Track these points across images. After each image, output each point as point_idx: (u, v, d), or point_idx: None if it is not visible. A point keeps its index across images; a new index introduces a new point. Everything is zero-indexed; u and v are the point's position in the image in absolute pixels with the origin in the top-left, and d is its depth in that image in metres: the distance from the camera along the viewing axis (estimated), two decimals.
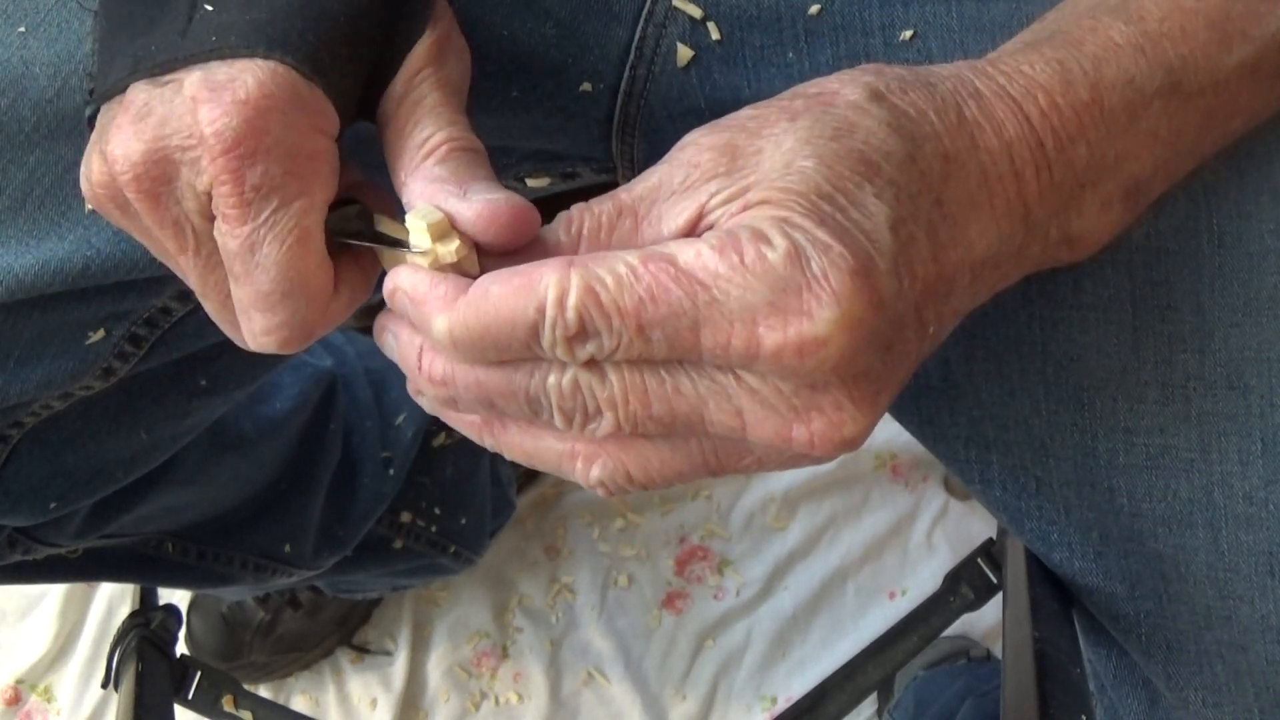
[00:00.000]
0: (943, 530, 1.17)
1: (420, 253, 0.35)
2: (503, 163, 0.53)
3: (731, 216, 0.33)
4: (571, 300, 0.31)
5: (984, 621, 1.11)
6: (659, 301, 0.31)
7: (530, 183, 0.55)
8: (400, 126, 0.38)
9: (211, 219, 0.36)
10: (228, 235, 0.35)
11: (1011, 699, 0.47)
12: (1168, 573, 0.46)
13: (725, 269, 0.31)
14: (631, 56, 0.49)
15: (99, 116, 0.37)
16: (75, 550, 0.66)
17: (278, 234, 0.35)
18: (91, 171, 0.37)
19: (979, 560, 0.66)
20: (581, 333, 0.32)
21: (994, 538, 0.66)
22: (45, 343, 0.48)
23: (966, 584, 0.66)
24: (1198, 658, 0.46)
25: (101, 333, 0.49)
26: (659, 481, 0.35)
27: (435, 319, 0.34)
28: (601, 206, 0.35)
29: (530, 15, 0.48)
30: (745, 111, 0.36)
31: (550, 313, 0.31)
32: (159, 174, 0.35)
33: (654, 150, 0.53)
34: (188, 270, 0.38)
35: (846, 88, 0.36)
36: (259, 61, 0.34)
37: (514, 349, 0.33)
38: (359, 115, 0.39)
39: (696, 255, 0.31)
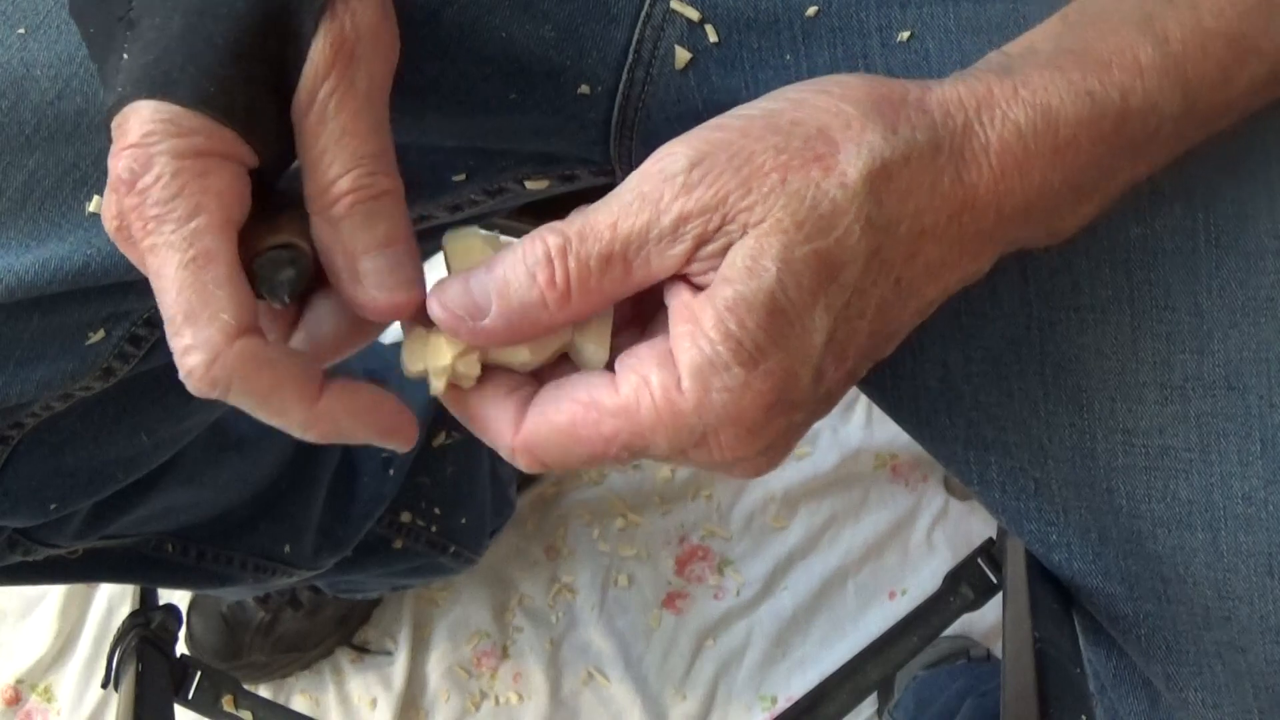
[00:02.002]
0: (943, 530, 1.17)
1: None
2: (501, 165, 0.53)
3: (706, 274, 0.35)
4: (520, 465, 0.37)
5: (984, 621, 1.11)
6: (599, 457, 0.36)
7: (529, 185, 0.55)
8: (307, 145, 0.36)
9: None
10: (148, 266, 0.36)
11: (1011, 699, 0.47)
12: (1167, 573, 0.46)
13: (648, 422, 0.35)
14: (629, 59, 0.49)
15: None
16: (75, 551, 0.66)
17: (173, 252, 0.35)
18: None
19: (979, 560, 0.66)
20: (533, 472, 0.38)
21: (994, 538, 0.66)
22: (45, 343, 0.48)
23: (966, 584, 0.66)
24: (1197, 658, 0.46)
25: (101, 333, 0.49)
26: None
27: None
28: (587, 250, 0.35)
29: (528, 18, 0.48)
30: (738, 137, 0.35)
31: (506, 456, 0.38)
32: (121, 224, 0.36)
33: (651, 152, 0.53)
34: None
35: (849, 148, 0.34)
36: (144, 105, 0.35)
37: None
38: None
39: (619, 411, 0.35)
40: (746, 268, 0.34)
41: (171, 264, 0.35)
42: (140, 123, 0.35)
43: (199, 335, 0.35)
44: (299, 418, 0.36)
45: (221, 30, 0.35)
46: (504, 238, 0.38)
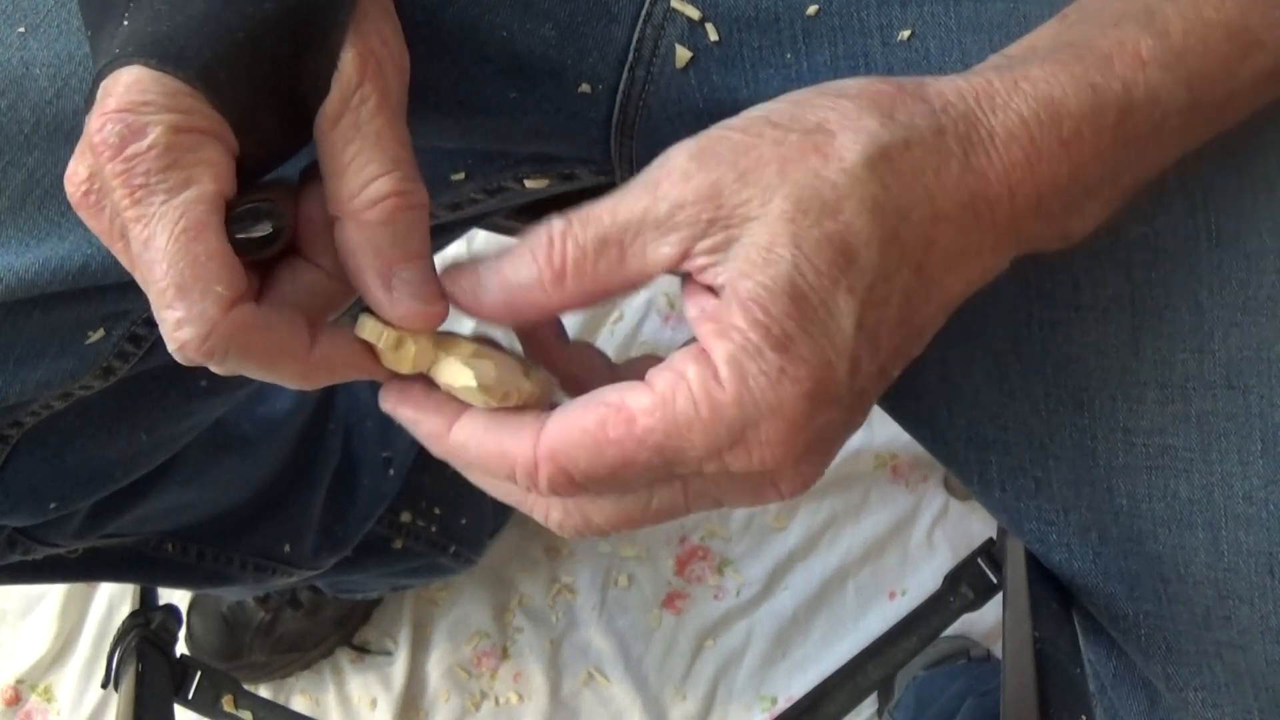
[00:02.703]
0: (943, 530, 1.17)
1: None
2: (501, 164, 0.53)
3: (712, 280, 0.34)
4: (542, 480, 0.35)
5: (984, 621, 1.11)
6: (630, 464, 0.34)
7: (529, 184, 0.55)
8: (337, 151, 0.36)
9: None
10: (131, 236, 0.35)
11: (1011, 699, 0.47)
12: (1167, 573, 0.46)
13: (684, 420, 0.33)
14: (630, 58, 0.49)
15: None
16: (75, 550, 0.66)
17: (165, 224, 0.34)
18: None
19: (979, 560, 0.66)
20: (556, 495, 0.36)
21: (994, 538, 0.66)
22: (45, 342, 0.48)
23: (966, 584, 0.66)
24: (1197, 658, 0.46)
25: (101, 332, 0.49)
26: (623, 528, 0.38)
27: (426, 445, 0.38)
28: (585, 234, 0.35)
29: (529, 17, 0.48)
30: (737, 132, 0.35)
31: (522, 480, 0.35)
32: (89, 189, 0.35)
33: (653, 151, 0.52)
34: (138, 280, 0.38)
35: (847, 134, 0.34)
36: (142, 69, 0.34)
37: (503, 480, 0.37)
38: (297, 139, 0.38)
39: (653, 409, 0.34)
40: (761, 258, 0.33)
41: (162, 235, 0.34)
42: (136, 88, 0.34)
43: (192, 308, 0.35)
44: (295, 372, 0.37)
45: (244, 25, 0.35)
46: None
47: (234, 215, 0.36)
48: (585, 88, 0.50)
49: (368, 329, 0.37)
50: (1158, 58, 0.37)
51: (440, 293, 0.37)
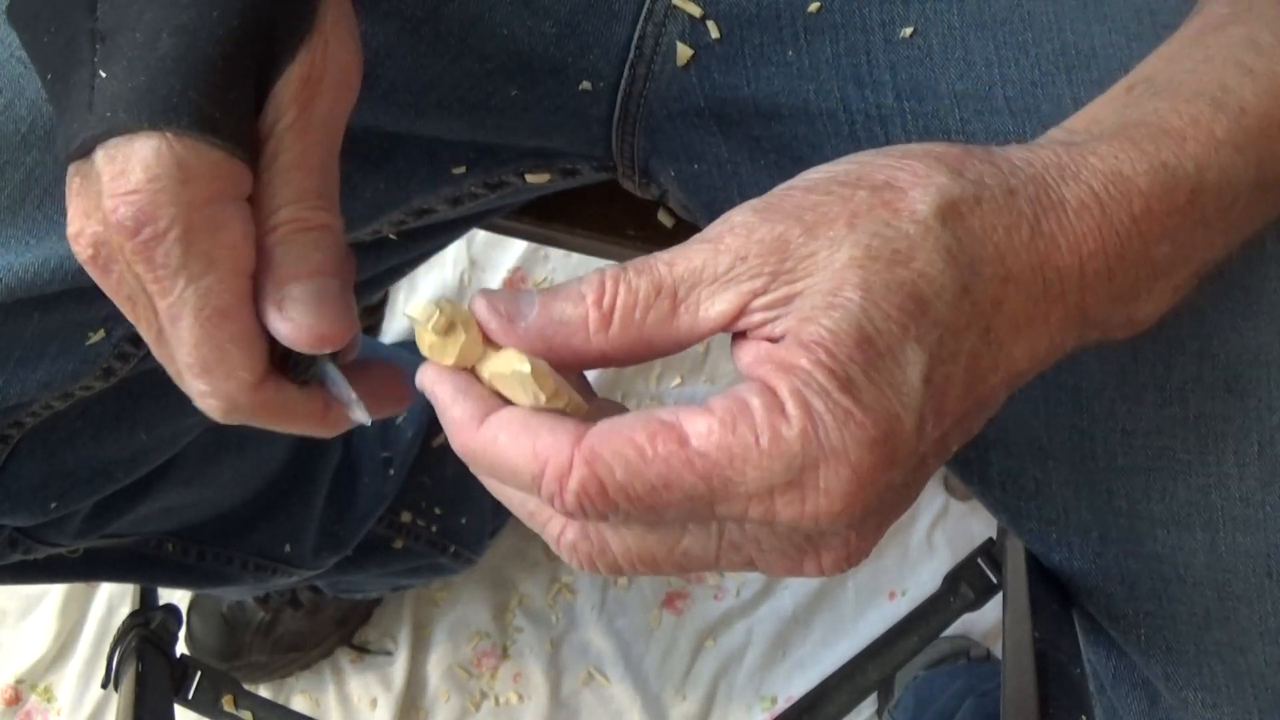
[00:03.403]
0: (943, 530, 1.17)
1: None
2: (502, 159, 0.54)
3: (769, 333, 0.32)
4: (572, 485, 0.31)
5: (984, 621, 1.11)
6: (672, 487, 0.31)
7: (530, 178, 0.54)
8: (259, 174, 0.36)
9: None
10: (158, 309, 0.36)
11: (1011, 699, 0.47)
12: (1166, 574, 0.46)
13: (740, 449, 0.30)
14: (631, 55, 0.49)
15: None
16: (75, 550, 0.66)
17: (190, 309, 0.35)
18: None
19: (979, 560, 0.66)
20: (580, 510, 0.31)
21: (994, 538, 0.66)
22: (45, 343, 0.48)
23: (966, 584, 0.66)
24: (1197, 658, 0.46)
25: (101, 333, 0.49)
26: (640, 570, 0.34)
27: (449, 436, 0.34)
28: (639, 280, 0.33)
29: (530, 14, 0.48)
30: (802, 192, 0.34)
31: (547, 487, 0.32)
32: (102, 256, 0.36)
33: (654, 148, 0.53)
34: (144, 336, 0.38)
35: (917, 189, 0.33)
36: (143, 140, 0.34)
37: (521, 489, 0.33)
38: None
39: (709, 432, 0.30)
40: (827, 303, 0.31)
41: (187, 319, 0.35)
42: (142, 165, 0.34)
43: (217, 388, 0.36)
44: (315, 429, 0.38)
45: (220, 52, 0.34)
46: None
47: (291, 361, 0.38)
48: (586, 85, 0.50)
49: (419, 307, 0.35)
50: (1233, 139, 0.36)
51: (343, 314, 0.36)
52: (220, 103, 0.34)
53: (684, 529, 0.33)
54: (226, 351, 0.36)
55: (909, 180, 0.33)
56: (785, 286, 0.32)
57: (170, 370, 0.39)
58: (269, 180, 0.36)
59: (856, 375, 0.31)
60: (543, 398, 0.33)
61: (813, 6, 0.48)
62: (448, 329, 0.35)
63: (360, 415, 0.38)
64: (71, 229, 0.36)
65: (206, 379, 0.36)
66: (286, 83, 0.36)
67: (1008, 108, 0.46)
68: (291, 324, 0.36)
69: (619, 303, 0.33)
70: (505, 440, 0.33)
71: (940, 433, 0.33)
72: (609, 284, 0.33)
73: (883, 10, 0.47)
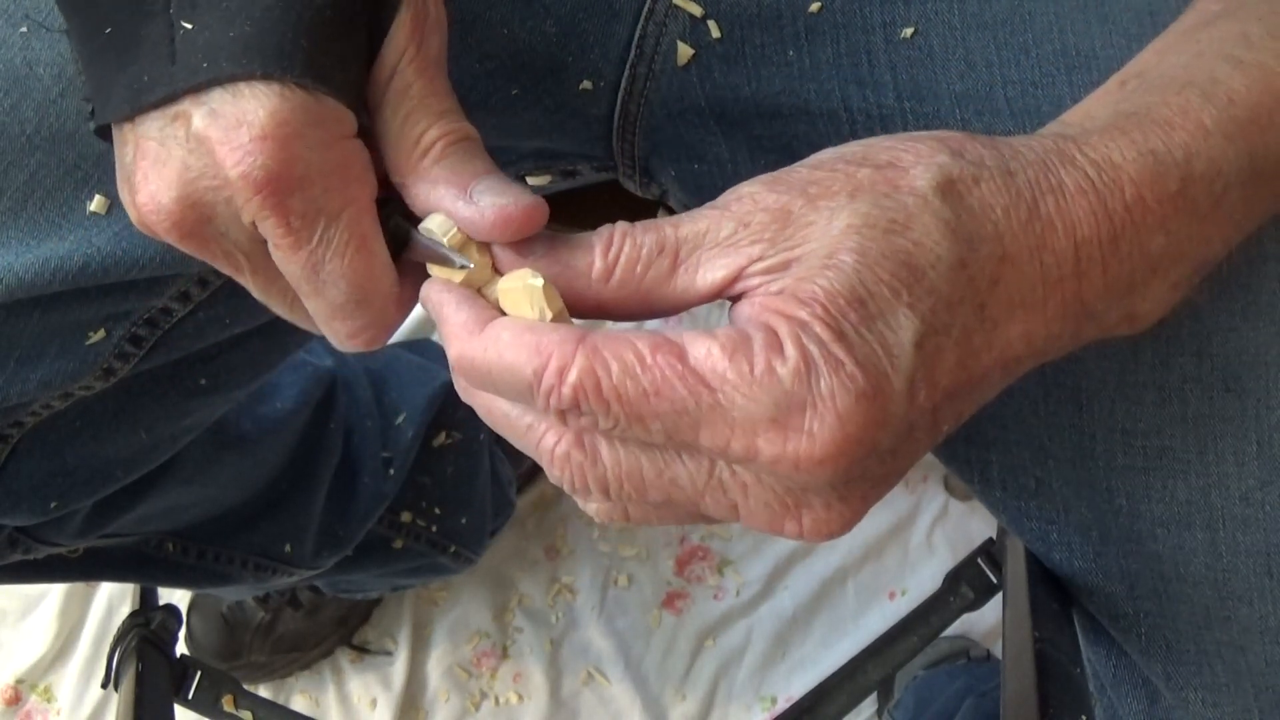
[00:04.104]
0: (943, 530, 1.17)
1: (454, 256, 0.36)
2: (503, 160, 0.53)
3: (764, 294, 0.33)
4: (571, 377, 0.32)
5: (984, 621, 1.11)
6: (662, 396, 0.31)
7: (530, 181, 0.55)
8: (388, 118, 0.37)
9: (261, 242, 0.36)
10: (287, 262, 0.36)
11: (1011, 699, 0.47)
12: (1166, 573, 0.46)
13: (733, 375, 0.31)
14: (632, 54, 0.49)
15: (116, 150, 0.37)
16: (76, 550, 0.66)
17: (336, 250, 0.35)
18: (130, 215, 0.37)
19: (979, 560, 0.66)
20: (575, 408, 0.32)
21: (994, 538, 0.66)
22: (46, 343, 0.48)
23: (966, 584, 0.66)
24: (1197, 658, 0.46)
25: (102, 333, 0.49)
26: (629, 489, 0.34)
27: (449, 344, 0.35)
28: (645, 237, 0.34)
29: (531, 13, 0.48)
30: (809, 169, 0.35)
31: (547, 381, 0.32)
32: (195, 217, 0.35)
33: (654, 148, 0.53)
34: (248, 286, 0.39)
35: (918, 167, 0.34)
36: (261, 88, 0.34)
37: (514, 396, 0.34)
38: None
39: (707, 354, 0.31)
40: (823, 264, 0.32)
41: (331, 260, 0.35)
42: (268, 112, 0.34)
43: (372, 319, 0.37)
44: (403, 315, 0.39)
45: (326, 1, 0.34)
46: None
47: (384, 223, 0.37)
48: (587, 84, 0.50)
49: (436, 221, 0.36)
50: (1223, 128, 0.36)
51: (528, 192, 0.36)
52: (330, 54, 0.35)
53: (676, 457, 0.33)
54: (378, 279, 0.36)
55: (911, 160, 0.34)
56: (784, 253, 0.33)
57: (283, 309, 0.39)
58: (408, 111, 0.37)
59: (850, 332, 0.31)
60: (549, 314, 0.34)
61: (814, 6, 0.48)
62: (462, 246, 0.36)
63: (464, 261, 0.37)
64: (145, 195, 0.35)
65: (364, 310, 0.37)
66: (400, 25, 0.36)
67: (1008, 108, 0.46)
68: (495, 208, 0.35)
69: (623, 256, 0.34)
70: (508, 339, 0.33)
71: (931, 404, 0.33)
72: (617, 237, 0.34)
73: (883, 10, 0.47)
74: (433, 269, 0.37)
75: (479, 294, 0.36)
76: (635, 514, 0.35)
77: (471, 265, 0.36)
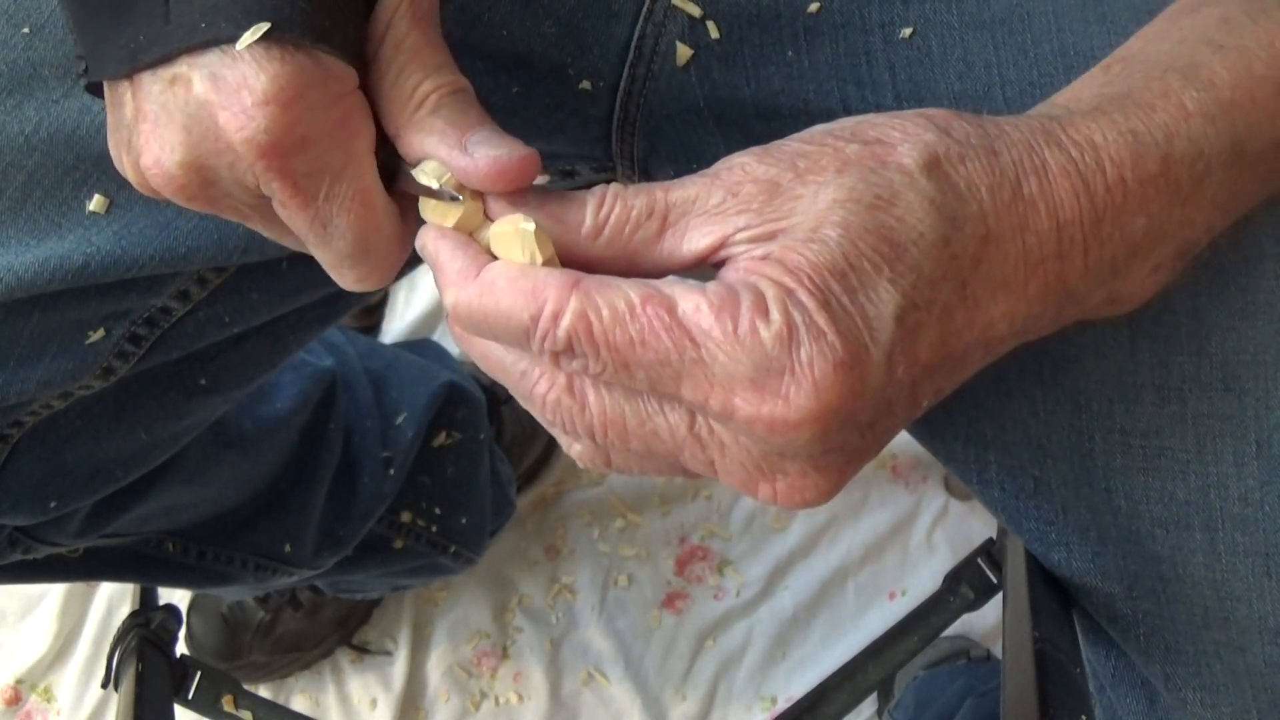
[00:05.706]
0: (943, 530, 1.17)
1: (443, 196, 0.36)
2: None
3: (750, 258, 0.33)
4: (565, 321, 0.32)
5: (984, 621, 1.11)
6: (647, 346, 0.32)
7: None
8: (383, 71, 0.37)
9: (266, 200, 0.37)
10: (294, 218, 0.36)
11: (1011, 699, 0.47)
12: (1166, 573, 0.46)
13: (718, 332, 0.32)
14: (631, 55, 0.49)
15: (109, 108, 0.37)
16: (75, 550, 0.66)
17: (342, 205, 0.36)
18: (129, 175, 0.37)
19: (979, 560, 0.66)
20: (569, 350, 0.33)
21: (994, 538, 0.66)
22: (45, 342, 0.48)
23: (966, 584, 0.66)
24: (1196, 658, 0.46)
25: (101, 332, 0.49)
26: (613, 435, 0.35)
27: (446, 290, 0.35)
28: (636, 199, 0.35)
29: (530, 13, 0.48)
30: (799, 142, 0.35)
31: (543, 325, 0.33)
32: (200, 180, 0.36)
33: (653, 148, 0.53)
34: (258, 229, 0.40)
35: (905, 144, 0.35)
36: (260, 49, 0.34)
37: (509, 340, 0.34)
38: None
39: (695, 309, 0.32)
40: (808, 237, 0.33)
41: (341, 215, 0.36)
42: (270, 75, 0.34)
43: (378, 264, 0.38)
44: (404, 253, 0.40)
45: None
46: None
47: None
48: (586, 85, 0.50)
49: (429, 169, 0.37)
50: (1204, 110, 0.37)
51: (521, 144, 0.37)
52: (327, 10, 0.35)
53: (659, 408, 0.34)
54: (379, 231, 0.37)
55: (899, 136, 0.35)
56: (770, 224, 0.34)
57: (294, 245, 0.40)
58: (403, 64, 0.37)
59: (835, 303, 0.32)
60: (540, 259, 0.35)
61: (812, 7, 0.48)
62: (457, 190, 0.36)
63: (453, 194, 0.37)
64: (149, 158, 0.36)
65: (370, 256, 0.37)
66: None
67: (1007, 109, 0.46)
68: (491, 158, 0.36)
69: (613, 216, 0.35)
70: (503, 284, 0.34)
71: (910, 378, 0.33)
72: (609, 197, 0.35)
73: (882, 11, 0.47)
74: (424, 207, 0.37)
75: (471, 238, 0.37)
76: (618, 460, 0.36)
77: (460, 198, 0.36)
